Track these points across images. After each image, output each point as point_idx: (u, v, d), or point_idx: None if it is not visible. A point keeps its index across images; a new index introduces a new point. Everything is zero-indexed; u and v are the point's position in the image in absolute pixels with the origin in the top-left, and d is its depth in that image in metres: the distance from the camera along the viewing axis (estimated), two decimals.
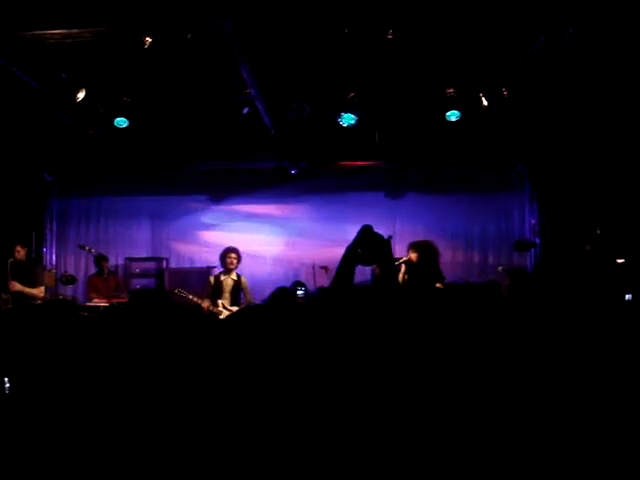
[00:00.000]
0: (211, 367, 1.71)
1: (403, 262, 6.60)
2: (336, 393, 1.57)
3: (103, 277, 8.71)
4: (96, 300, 8.16)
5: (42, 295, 7.45)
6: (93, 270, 9.26)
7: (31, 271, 7.46)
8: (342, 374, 1.61)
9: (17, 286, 7.11)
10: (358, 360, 1.64)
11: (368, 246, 2.17)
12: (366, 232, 2.22)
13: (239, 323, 1.81)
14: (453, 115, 8.08)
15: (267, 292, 9.31)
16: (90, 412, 1.69)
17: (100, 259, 8.76)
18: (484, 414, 1.58)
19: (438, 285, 6.54)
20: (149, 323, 2.08)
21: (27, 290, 7.21)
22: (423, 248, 6.67)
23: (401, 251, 6.90)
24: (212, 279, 7.74)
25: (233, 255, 7.70)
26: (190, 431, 1.63)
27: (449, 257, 9.25)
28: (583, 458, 1.49)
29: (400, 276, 6.53)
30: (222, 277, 7.69)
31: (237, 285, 7.71)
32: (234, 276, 7.73)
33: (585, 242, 6.92)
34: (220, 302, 7.51)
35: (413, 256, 6.61)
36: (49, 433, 1.65)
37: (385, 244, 2.20)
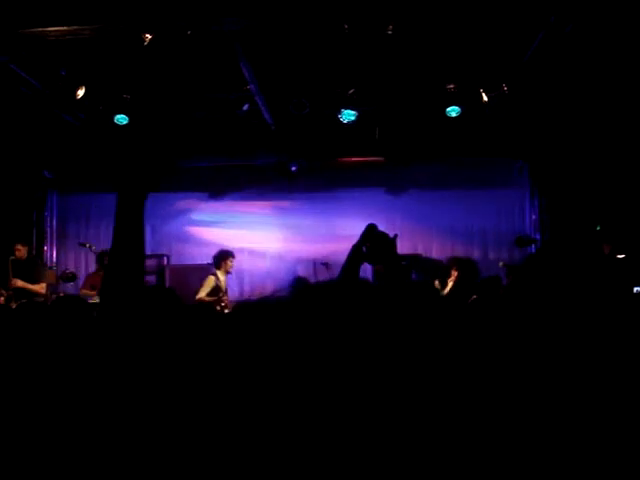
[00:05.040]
0: (224, 364, 1.71)
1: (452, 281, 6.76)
2: (346, 392, 1.57)
3: (101, 275, 8.68)
4: (96, 298, 8.16)
5: (44, 292, 7.45)
6: (94, 268, 9.25)
7: (32, 268, 7.47)
8: (352, 372, 1.61)
9: (19, 283, 7.11)
10: (364, 358, 1.64)
11: (373, 245, 2.19)
12: (371, 231, 2.23)
13: (254, 319, 1.80)
14: (453, 111, 8.07)
15: (267, 288, 9.35)
16: (97, 410, 1.69)
17: (104, 255, 8.72)
18: (485, 413, 1.58)
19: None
20: (157, 320, 2.08)
21: (29, 287, 7.20)
22: (464, 266, 6.84)
23: (404, 249, 6.96)
24: (214, 280, 8.02)
25: (233, 259, 8.20)
26: (197, 431, 1.63)
27: (449, 253, 9.26)
28: (585, 458, 1.48)
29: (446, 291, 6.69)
30: (221, 278, 8.09)
31: (226, 284, 8.21)
32: (226, 276, 8.21)
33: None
34: (225, 299, 7.93)
35: (455, 274, 6.74)
36: (52, 434, 1.65)
37: (390, 243, 2.22)
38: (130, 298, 1.76)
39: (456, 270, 6.83)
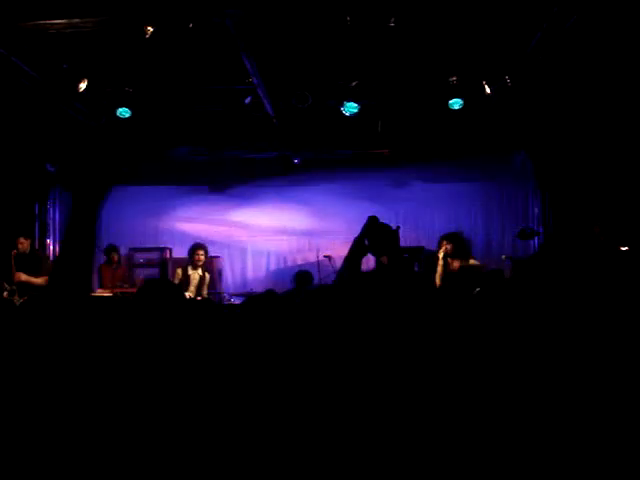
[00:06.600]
0: (224, 358, 1.71)
1: (443, 256, 6.72)
2: (348, 386, 1.57)
3: (112, 267, 8.73)
4: (100, 290, 8.17)
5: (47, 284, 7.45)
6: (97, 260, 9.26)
7: (35, 262, 7.46)
8: (355, 366, 1.61)
9: (23, 277, 7.11)
10: (369, 351, 1.65)
11: (376, 237, 2.19)
12: (372, 223, 2.23)
13: (258, 313, 1.81)
14: (456, 103, 8.03)
15: (271, 280, 9.36)
16: (97, 407, 1.69)
17: (110, 250, 8.76)
18: (486, 410, 1.58)
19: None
20: (161, 313, 2.08)
21: (32, 280, 7.20)
22: (455, 239, 6.81)
23: (406, 240, 6.95)
24: (180, 272, 7.99)
25: (201, 252, 8.01)
26: (200, 426, 1.63)
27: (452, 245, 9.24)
28: (588, 457, 1.48)
29: (439, 269, 6.67)
30: (190, 271, 8.00)
31: (202, 280, 8.04)
32: (200, 272, 8.04)
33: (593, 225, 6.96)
34: (187, 294, 7.69)
35: (449, 247, 6.70)
36: (52, 431, 1.65)
37: (393, 234, 2.21)
38: (78, 288, 1.77)
39: (448, 243, 6.85)
